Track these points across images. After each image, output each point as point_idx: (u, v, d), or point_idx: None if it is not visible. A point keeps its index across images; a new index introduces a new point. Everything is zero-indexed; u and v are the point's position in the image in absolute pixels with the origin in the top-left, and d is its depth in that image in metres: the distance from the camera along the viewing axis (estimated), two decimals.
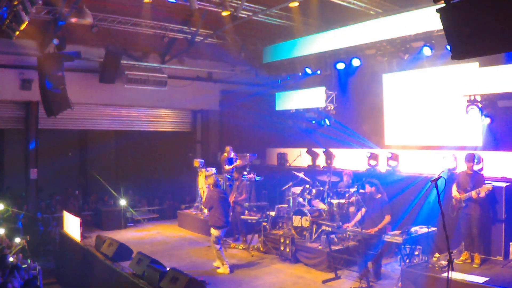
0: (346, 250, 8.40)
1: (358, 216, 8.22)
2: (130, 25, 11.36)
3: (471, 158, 7.46)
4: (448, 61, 8.77)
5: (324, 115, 12.12)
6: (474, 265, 7.14)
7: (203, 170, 12.14)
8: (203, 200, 8.53)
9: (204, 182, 12.08)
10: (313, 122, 12.39)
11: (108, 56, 11.66)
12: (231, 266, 8.50)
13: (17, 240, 9.06)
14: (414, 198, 8.92)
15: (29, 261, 8.04)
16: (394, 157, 10.30)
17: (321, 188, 9.80)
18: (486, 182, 7.31)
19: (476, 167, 7.62)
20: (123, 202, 12.36)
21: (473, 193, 7.19)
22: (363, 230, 7.70)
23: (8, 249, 8.30)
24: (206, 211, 9.59)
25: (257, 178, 11.94)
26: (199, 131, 15.51)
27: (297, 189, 10.26)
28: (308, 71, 12.02)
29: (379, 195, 7.73)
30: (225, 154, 12.16)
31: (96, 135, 14.78)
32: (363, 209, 8.17)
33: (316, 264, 8.45)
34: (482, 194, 7.12)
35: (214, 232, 8.38)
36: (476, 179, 7.36)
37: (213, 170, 12.23)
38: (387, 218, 7.51)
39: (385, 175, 10.17)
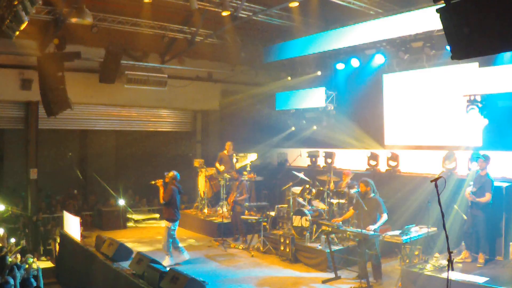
0: (346, 250, 8.40)
1: (349, 213, 8.25)
2: (130, 25, 11.35)
3: (481, 160, 7.35)
4: (448, 61, 8.78)
5: (324, 115, 12.12)
6: (478, 265, 7.15)
7: (203, 170, 12.14)
8: (161, 194, 8.82)
9: (204, 182, 12.09)
10: (313, 123, 12.39)
11: (108, 56, 11.66)
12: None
13: (13, 240, 9.05)
14: (414, 198, 8.92)
15: (30, 260, 8.03)
16: (394, 157, 10.30)
17: (321, 188, 9.80)
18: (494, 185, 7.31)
19: (475, 167, 7.61)
20: (123, 202, 12.36)
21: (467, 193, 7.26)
22: (362, 230, 7.70)
23: (6, 248, 8.29)
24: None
25: (257, 178, 11.94)
26: (199, 131, 15.50)
27: (297, 189, 10.26)
28: (308, 71, 12.03)
29: (372, 195, 7.74)
30: (225, 152, 12.10)
31: (96, 135, 14.77)
32: (351, 208, 8.20)
33: (316, 264, 8.45)
34: (474, 198, 7.18)
35: (168, 224, 8.79)
36: (484, 181, 7.28)
37: (213, 170, 12.23)
38: (384, 216, 7.53)
39: (385, 175, 10.17)
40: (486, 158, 7.37)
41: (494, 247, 7.61)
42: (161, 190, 8.82)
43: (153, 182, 9.04)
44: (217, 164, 11.95)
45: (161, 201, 8.83)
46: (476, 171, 7.55)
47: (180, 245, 9.08)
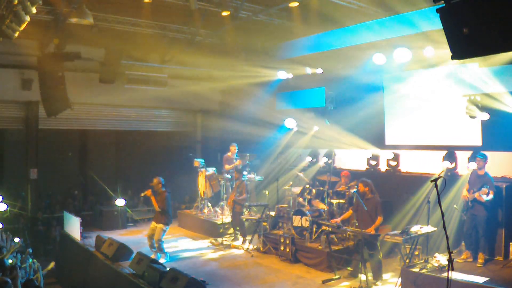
0: (346, 250, 8.39)
1: (348, 213, 8.26)
2: (130, 25, 11.35)
3: (479, 158, 7.40)
4: (448, 61, 8.78)
5: (324, 115, 12.12)
6: (478, 264, 7.16)
7: (203, 170, 12.14)
8: (155, 203, 8.94)
9: (204, 182, 12.09)
10: (313, 123, 12.39)
11: (108, 56, 11.66)
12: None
13: (16, 240, 9.05)
14: (414, 198, 8.92)
15: (30, 260, 8.04)
16: (394, 157, 10.30)
17: (321, 188, 9.80)
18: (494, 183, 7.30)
19: (472, 167, 7.61)
20: (122, 202, 12.35)
21: (477, 195, 7.19)
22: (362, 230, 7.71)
23: (5, 248, 8.29)
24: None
25: (258, 178, 11.94)
26: (199, 131, 15.50)
27: (297, 189, 10.25)
28: (308, 71, 12.02)
29: (371, 195, 7.74)
30: (229, 154, 12.13)
31: (96, 135, 14.77)
32: (350, 209, 8.21)
33: (316, 264, 8.44)
34: (485, 197, 7.10)
35: (163, 227, 8.95)
36: (485, 180, 7.30)
37: (213, 170, 12.24)
38: (379, 220, 7.55)
39: (385, 175, 10.17)
40: (484, 157, 7.39)
41: (494, 247, 7.61)
42: (153, 199, 8.96)
43: (142, 195, 9.23)
44: (226, 166, 11.96)
45: (157, 209, 8.94)
46: (474, 170, 7.55)
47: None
